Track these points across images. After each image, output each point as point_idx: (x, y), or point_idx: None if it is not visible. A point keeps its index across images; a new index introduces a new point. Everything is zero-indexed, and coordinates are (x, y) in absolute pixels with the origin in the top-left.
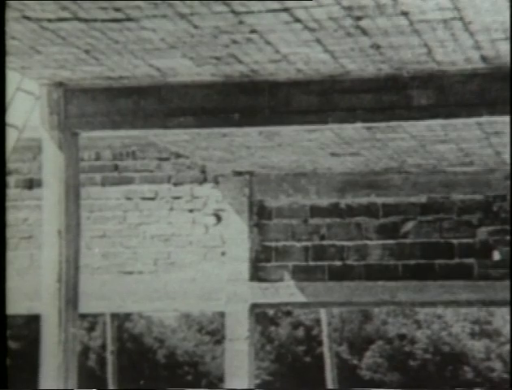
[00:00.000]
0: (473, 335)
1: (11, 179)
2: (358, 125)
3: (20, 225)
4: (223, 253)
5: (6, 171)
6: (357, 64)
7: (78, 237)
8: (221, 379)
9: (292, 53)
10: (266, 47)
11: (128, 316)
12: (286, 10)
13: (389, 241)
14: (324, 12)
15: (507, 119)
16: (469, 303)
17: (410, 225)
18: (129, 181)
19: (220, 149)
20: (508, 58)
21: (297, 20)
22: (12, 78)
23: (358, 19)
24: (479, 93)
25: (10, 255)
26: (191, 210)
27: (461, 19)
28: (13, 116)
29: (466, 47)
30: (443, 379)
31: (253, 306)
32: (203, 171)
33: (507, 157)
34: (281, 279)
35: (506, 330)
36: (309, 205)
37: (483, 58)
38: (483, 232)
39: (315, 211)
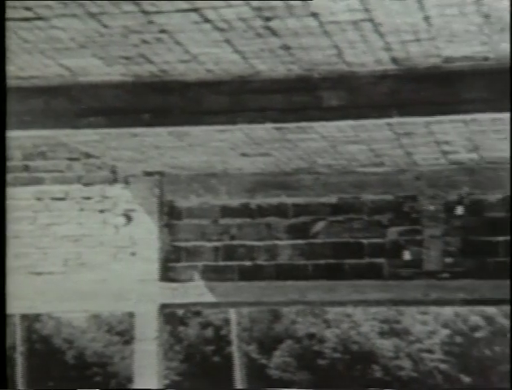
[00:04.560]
0: (382, 334)
1: None
2: (269, 126)
3: None
4: (133, 254)
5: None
6: (267, 65)
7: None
8: (130, 380)
9: (202, 53)
10: (176, 47)
11: (37, 317)
12: (195, 10)
13: (299, 241)
14: (234, 13)
15: (418, 119)
16: (379, 302)
17: (320, 225)
18: (39, 182)
19: (130, 150)
20: (418, 60)
21: (207, 20)
22: None
23: (268, 19)
24: (390, 95)
25: None
26: (101, 211)
27: (371, 20)
28: None
29: (376, 49)
30: (352, 378)
31: (163, 306)
32: (113, 172)
33: (418, 158)
34: (191, 280)
35: (415, 329)
36: (219, 206)
37: (394, 60)
38: (393, 232)
39: (226, 211)
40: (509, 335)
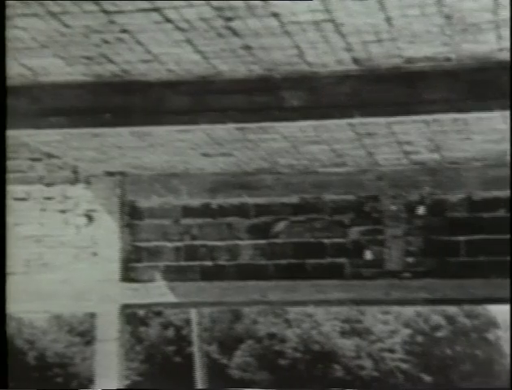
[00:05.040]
0: (343, 333)
1: None
2: (230, 126)
3: None
4: (94, 254)
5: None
6: (228, 65)
7: None
8: (91, 381)
9: (164, 53)
10: (137, 47)
11: None
12: (156, 10)
13: (261, 241)
14: (195, 13)
15: (379, 120)
16: (340, 302)
17: (281, 225)
18: None
19: (92, 150)
20: (380, 60)
21: (168, 20)
22: None
23: (229, 19)
24: (351, 95)
25: None
26: (63, 211)
27: (332, 21)
28: None
29: (337, 49)
30: (313, 377)
31: (124, 307)
32: (75, 172)
33: (379, 158)
34: (152, 280)
35: (377, 328)
36: (180, 206)
37: (355, 60)
38: (354, 232)
39: (187, 211)
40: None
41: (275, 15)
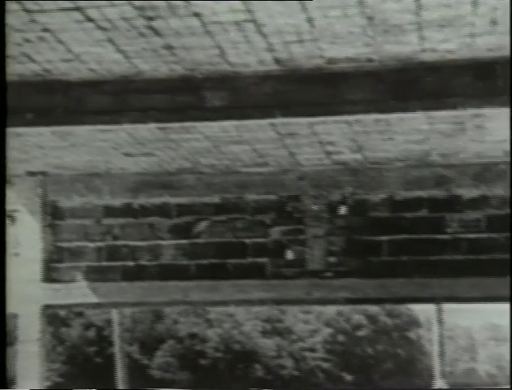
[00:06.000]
0: (264, 333)
1: None
2: (152, 126)
3: None
4: (16, 255)
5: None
6: (150, 65)
7: None
8: (13, 382)
9: (85, 52)
10: (59, 46)
11: None
12: (78, 9)
13: (182, 241)
14: (116, 12)
15: (301, 120)
16: (261, 302)
17: (203, 225)
18: None
19: (14, 149)
20: (302, 61)
21: (90, 20)
22: None
23: (150, 19)
24: (273, 95)
25: None
26: None
27: (253, 21)
28: None
29: (259, 49)
30: (234, 377)
31: (46, 307)
32: None
33: (301, 158)
34: (73, 280)
35: (298, 328)
36: (102, 206)
37: (277, 61)
38: (276, 232)
39: (109, 211)
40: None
41: (197, 14)
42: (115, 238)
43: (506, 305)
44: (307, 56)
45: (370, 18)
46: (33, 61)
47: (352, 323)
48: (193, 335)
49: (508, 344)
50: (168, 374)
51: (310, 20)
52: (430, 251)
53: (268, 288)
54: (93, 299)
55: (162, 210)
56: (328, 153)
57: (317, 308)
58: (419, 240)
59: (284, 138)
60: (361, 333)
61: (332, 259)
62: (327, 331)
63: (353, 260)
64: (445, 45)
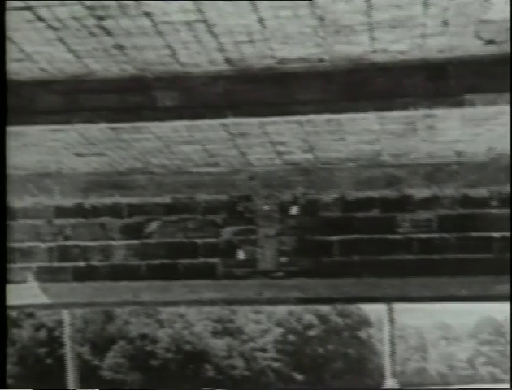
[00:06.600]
0: (215, 333)
1: None
2: (103, 125)
3: None
4: None
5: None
6: (101, 64)
7: None
8: None
9: (36, 52)
10: (10, 46)
11: None
12: (29, 8)
13: (133, 241)
14: (67, 11)
15: (252, 120)
16: (212, 302)
17: (154, 225)
18: None
19: None
20: (253, 61)
21: (40, 19)
22: None
23: (101, 19)
24: (224, 95)
25: None
26: None
27: (204, 21)
28: None
29: (210, 49)
30: (184, 377)
31: None
32: None
33: (252, 158)
34: (24, 281)
35: (248, 328)
36: (53, 206)
37: (228, 61)
38: (227, 232)
39: (60, 212)
40: (342, 334)
41: (148, 14)
42: (66, 238)
43: (457, 305)
44: (258, 56)
45: (321, 18)
46: None
47: (303, 323)
48: (143, 336)
49: (459, 343)
50: (119, 374)
51: (260, 20)
52: (381, 251)
53: (219, 288)
54: (44, 300)
55: (113, 210)
56: (279, 154)
57: (268, 308)
58: (371, 240)
59: (235, 138)
60: (312, 333)
61: (284, 259)
62: (278, 330)
63: (304, 260)
64: (396, 46)
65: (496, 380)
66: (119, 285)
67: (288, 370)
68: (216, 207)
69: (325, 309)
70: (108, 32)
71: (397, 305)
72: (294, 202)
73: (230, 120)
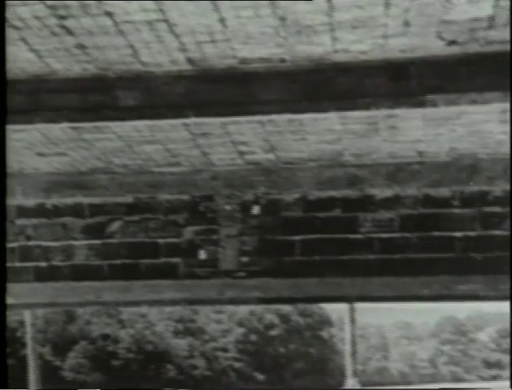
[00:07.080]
0: (177, 333)
1: None
2: (65, 125)
3: None
4: None
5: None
6: (62, 64)
7: None
8: None
9: None
10: None
11: None
12: None
13: (95, 241)
14: (28, 11)
15: (214, 120)
16: (174, 302)
17: (116, 225)
18: None
19: None
20: (214, 61)
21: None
22: None
23: (63, 18)
24: (186, 95)
25: None
26: None
27: (166, 21)
28: None
29: (171, 49)
30: (146, 377)
31: None
32: None
33: (214, 158)
34: None
35: (210, 328)
36: (15, 206)
37: (190, 61)
38: (189, 232)
39: (21, 212)
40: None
41: (109, 14)
42: (28, 238)
43: (419, 305)
44: (220, 56)
45: (282, 18)
46: None
47: (264, 323)
48: (105, 336)
49: (420, 343)
50: (80, 375)
51: (222, 20)
52: (343, 251)
53: (181, 288)
54: (6, 300)
55: (75, 210)
56: (241, 153)
57: (229, 308)
58: (332, 239)
59: (196, 138)
60: (273, 333)
61: (245, 259)
62: (240, 330)
63: (265, 260)
64: (358, 46)
65: (457, 379)
66: (81, 285)
67: (250, 370)
68: (178, 207)
69: (287, 308)
70: (70, 32)
71: (359, 305)
72: (256, 202)
73: (192, 120)
